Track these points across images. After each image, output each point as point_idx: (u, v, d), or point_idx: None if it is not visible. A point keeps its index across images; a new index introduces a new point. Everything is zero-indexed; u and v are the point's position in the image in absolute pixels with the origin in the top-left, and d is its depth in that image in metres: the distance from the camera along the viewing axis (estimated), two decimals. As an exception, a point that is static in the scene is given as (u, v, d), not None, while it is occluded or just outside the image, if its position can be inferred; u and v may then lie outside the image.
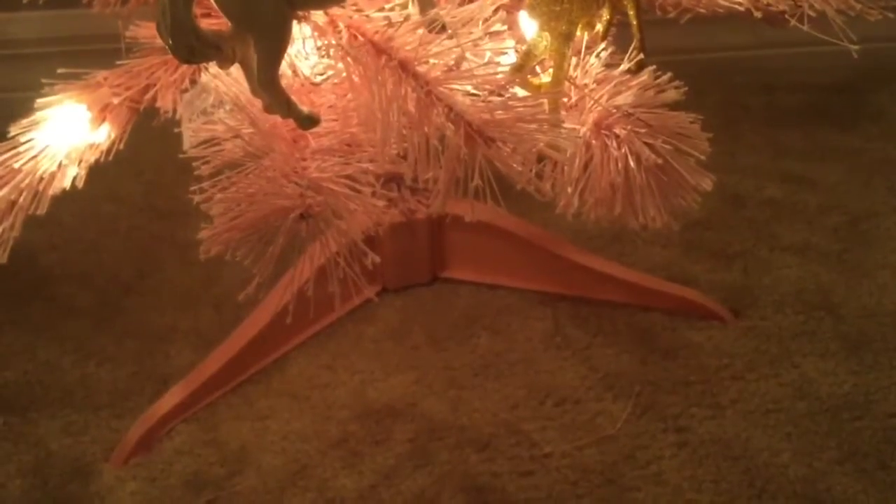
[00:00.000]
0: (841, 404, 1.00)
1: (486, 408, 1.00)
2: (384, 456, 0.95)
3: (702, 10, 0.86)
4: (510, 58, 0.74)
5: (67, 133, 0.82)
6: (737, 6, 0.85)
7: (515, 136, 0.66)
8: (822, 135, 1.48)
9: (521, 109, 0.67)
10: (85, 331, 1.12)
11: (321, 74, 0.76)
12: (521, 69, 0.73)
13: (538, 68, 0.76)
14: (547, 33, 0.73)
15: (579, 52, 0.78)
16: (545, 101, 0.73)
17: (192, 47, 0.63)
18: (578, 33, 0.76)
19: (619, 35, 0.82)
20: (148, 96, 0.84)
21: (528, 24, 0.76)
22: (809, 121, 1.51)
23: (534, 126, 0.67)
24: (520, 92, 0.73)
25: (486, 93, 0.67)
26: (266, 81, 0.65)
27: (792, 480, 0.92)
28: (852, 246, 1.23)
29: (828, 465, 0.93)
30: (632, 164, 0.74)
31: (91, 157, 0.83)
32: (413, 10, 0.71)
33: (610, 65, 0.78)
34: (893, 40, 1.52)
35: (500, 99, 0.67)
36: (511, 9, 0.78)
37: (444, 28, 0.69)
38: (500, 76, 0.69)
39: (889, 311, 1.12)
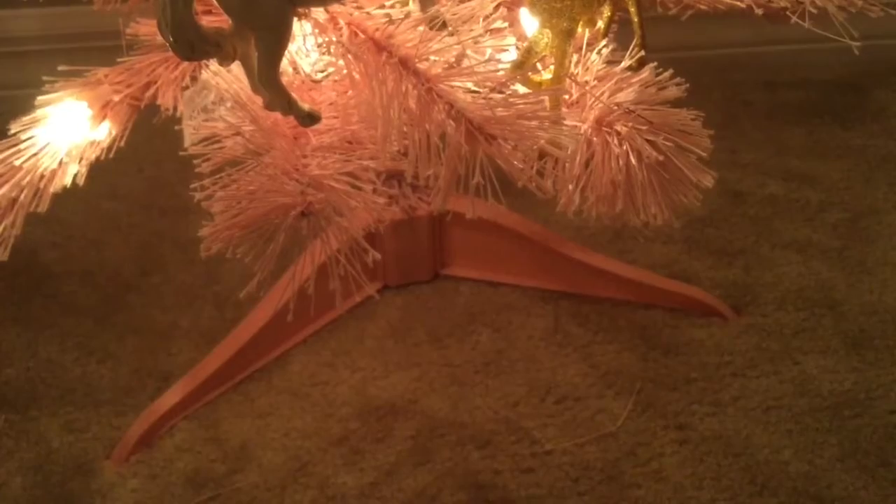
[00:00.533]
0: (842, 401, 1.00)
1: (487, 405, 1.01)
2: (385, 453, 0.95)
3: (703, 7, 0.86)
4: (511, 55, 0.74)
5: (68, 130, 0.82)
6: (738, 3, 0.85)
7: (516, 134, 0.66)
8: (824, 131, 1.47)
9: (521, 106, 0.67)
10: (86, 328, 1.12)
11: (322, 72, 0.76)
12: (522, 66, 0.73)
13: (539, 65, 0.76)
14: (548, 30, 0.73)
15: (580, 49, 0.78)
16: (546, 98, 0.72)
17: (193, 44, 0.63)
18: (579, 30, 0.76)
19: (620, 32, 0.82)
20: (149, 93, 0.85)
21: (529, 21, 0.75)
22: (811, 117, 1.51)
23: (535, 123, 0.67)
24: (521, 89, 0.72)
25: (486, 90, 0.67)
26: (267, 78, 0.65)
27: (793, 477, 0.92)
28: (853, 243, 1.23)
29: (829, 462, 0.93)
30: (633, 161, 0.74)
31: (92, 155, 0.84)
32: (414, 7, 0.71)
33: (611, 62, 0.78)
34: (895, 37, 1.51)
35: (500, 96, 0.67)
36: (512, 6, 0.78)
37: (444, 25, 0.69)
38: (500, 73, 0.69)
39: (890, 308, 1.12)
